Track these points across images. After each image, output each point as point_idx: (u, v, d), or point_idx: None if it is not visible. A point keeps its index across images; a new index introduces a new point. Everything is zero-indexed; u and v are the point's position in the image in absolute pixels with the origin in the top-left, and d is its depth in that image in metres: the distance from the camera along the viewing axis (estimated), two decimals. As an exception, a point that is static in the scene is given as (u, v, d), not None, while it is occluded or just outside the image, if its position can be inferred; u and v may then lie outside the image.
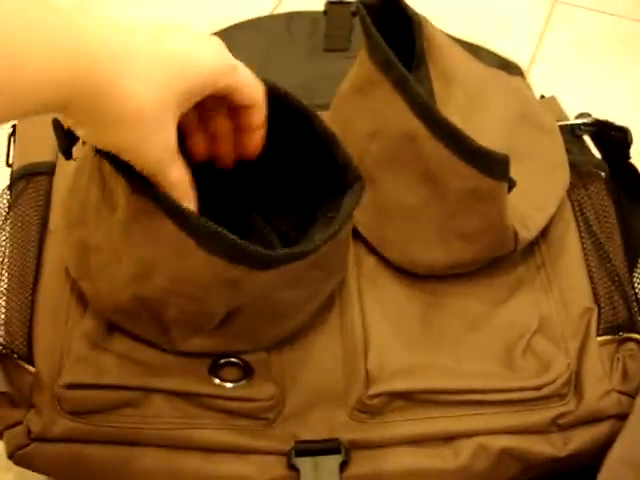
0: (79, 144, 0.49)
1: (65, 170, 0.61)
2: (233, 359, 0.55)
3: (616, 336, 0.58)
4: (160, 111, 0.42)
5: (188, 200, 0.47)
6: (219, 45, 0.46)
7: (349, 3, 0.82)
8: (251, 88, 0.48)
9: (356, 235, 0.62)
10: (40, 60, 0.36)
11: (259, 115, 0.50)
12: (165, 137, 0.43)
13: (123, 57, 0.39)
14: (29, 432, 0.53)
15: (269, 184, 0.59)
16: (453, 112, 0.59)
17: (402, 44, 0.61)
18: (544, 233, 0.62)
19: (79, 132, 0.45)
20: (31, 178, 0.62)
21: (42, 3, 0.37)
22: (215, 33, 0.83)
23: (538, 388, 0.54)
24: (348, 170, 0.51)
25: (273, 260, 0.46)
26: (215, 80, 0.45)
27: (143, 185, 0.45)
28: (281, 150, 0.55)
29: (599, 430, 0.55)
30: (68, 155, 0.50)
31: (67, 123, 0.46)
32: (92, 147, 0.49)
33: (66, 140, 0.49)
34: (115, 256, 0.51)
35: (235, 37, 0.83)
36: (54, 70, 0.37)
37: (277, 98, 0.52)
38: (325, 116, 0.64)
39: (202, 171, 0.51)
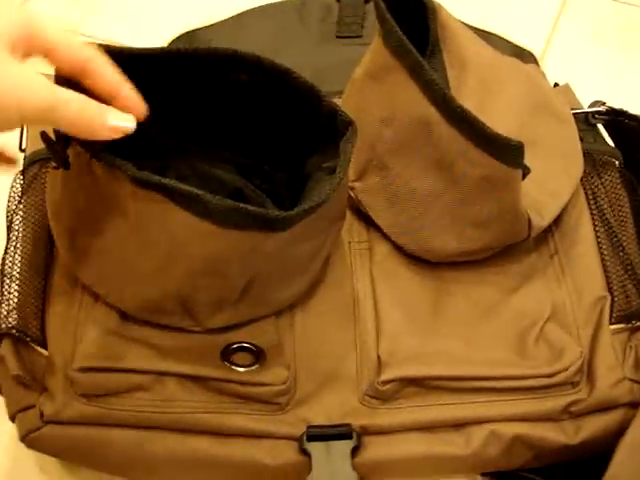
0: None
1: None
2: (245, 344, 0.55)
3: (629, 325, 0.57)
4: None
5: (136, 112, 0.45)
6: None
7: (362, -11, 0.82)
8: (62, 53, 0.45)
9: (369, 221, 0.62)
10: None
11: (98, 81, 0.46)
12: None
13: None
14: (42, 415, 0.54)
15: (253, 148, 0.59)
16: (467, 99, 0.58)
17: (416, 30, 0.61)
18: (557, 221, 0.62)
19: None
20: (44, 163, 0.62)
21: None
22: (225, 20, 0.83)
23: (550, 376, 0.54)
24: (336, 118, 0.51)
25: (291, 219, 0.46)
26: None
27: (147, 177, 0.45)
28: (261, 114, 0.55)
29: (611, 418, 0.55)
30: (66, 165, 0.50)
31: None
32: (80, 152, 0.49)
33: (59, 152, 0.49)
34: (130, 255, 0.51)
35: (246, 23, 0.83)
36: None
37: (249, 64, 0.52)
38: (338, 102, 0.65)
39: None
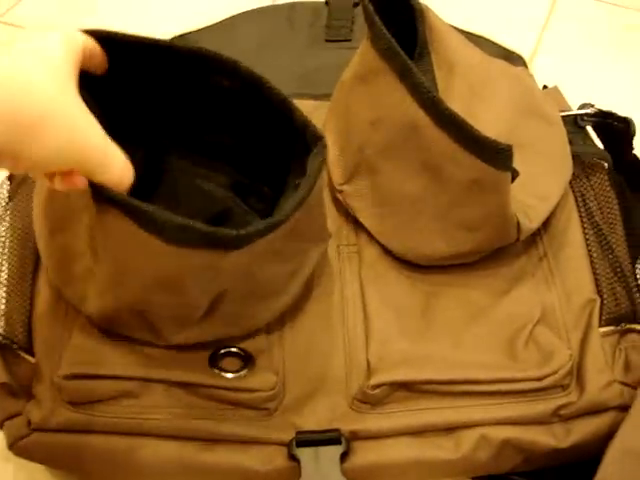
0: None
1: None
2: (234, 349, 0.55)
3: (618, 327, 0.57)
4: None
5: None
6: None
7: (351, -7, 0.82)
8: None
9: (358, 225, 0.62)
10: None
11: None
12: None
13: None
14: (29, 423, 0.53)
15: (239, 166, 0.59)
16: (455, 101, 0.58)
17: (404, 33, 0.61)
18: (546, 224, 0.62)
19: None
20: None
21: None
22: (215, 24, 0.83)
23: (540, 379, 0.54)
24: (307, 132, 0.50)
25: (244, 238, 0.45)
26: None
27: (102, 193, 0.44)
28: (243, 124, 0.55)
29: (601, 421, 0.55)
30: None
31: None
32: None
33: None
34: (93, 262, 0.50)
35: (236, 27, 0.83)
36: None
37: (227, 69, 0.51)
38: (327, 106, 0.65)
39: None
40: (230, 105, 0.54)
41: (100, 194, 0.44)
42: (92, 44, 0.46)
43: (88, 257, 0.51)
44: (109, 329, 0.54)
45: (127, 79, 0.51)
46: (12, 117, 0.37)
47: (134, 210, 0.43)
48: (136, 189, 0.45)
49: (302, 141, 0.51)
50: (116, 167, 0.43)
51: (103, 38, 0.48)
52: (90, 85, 0.47)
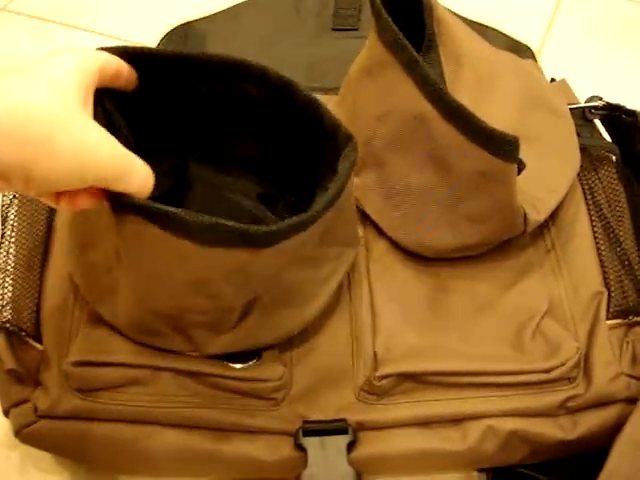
0: None
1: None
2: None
3: (626, 320, 0.57)
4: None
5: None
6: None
7: (358, -18, 0.82)
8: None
9: (365, 218, 0.62)
10: None
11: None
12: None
13: None
14: (36, 410, 0.53)
15: (266, 176, 0.59)
16: (463, 94, 0.58)
17: (412, 26, 0.61)
18: (554, 216, 0.62)
19: None
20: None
21: None
22: (221, 12, 0.82)
23: (547, 371, 0.54)
24: (338, 133, 0.50)
25: (275, 234, 0.44)
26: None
27: (124, 202, 0.44)
28: (271, 131, 0.55)
29: (608, 414, 0.55)
30: None
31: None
32: None
33: None
34: (123, 275, 0.50)
35: (241, 16, 0.83)
36: None
37: (255, 75, 0.51)
38: (334, 99, 0.65)
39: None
40: (256, 113, 0.53)
41: (121, 203, 0.44)
42: (117, 63, 0.47)
43: (116, 270, 0.51)
44: (144, 342, 0.53)
45: (154, 92, 0.51)
46: (19, 136, 0.38)
47: (159, 215, 0.43)
48: (162, 202, 0.44)
49: (332, 143, 0.50)
50: (135, 178, 0.43)
51: (129, 55, 0.48)
52: (117, 99, 0.48)
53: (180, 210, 0.43)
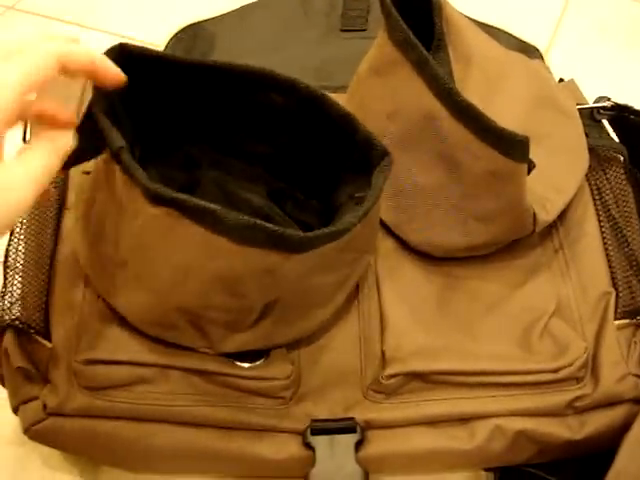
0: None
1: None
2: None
3: (633, 320, 0.57)
4: None
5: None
6: None
7: (366, -17, 0.82)
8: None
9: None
10: None
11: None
12: None
13: None
14: (45, 407, 0.53)
15: (286, 171, 0.59)
16: (472, 93, 0.58)
17: (421, 25, 0.61)
18: (562, 216, 0.62)
19: None
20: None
21: None
22: (230, 12, 0.83)
23: (555, 371, 0.54)
24: (373, 147, 0.51)
25: (309, 241, 0.45)
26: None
27: (159, 190, 0.44)
28: (294, 137, 0.55)
29: (615, 414, 0.55)
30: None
31: None
32: (105, 159, 0.49)
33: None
34: (143, 269, 0.50)
35: (251, 16, 0.83)
36: None
37: (283, 86, 0.52)
38: (343, 98, 0.65)
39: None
40: (278, 120, 0.54)
41: (160, 197, 0.44)
42: (88, 60, 0.43)
43: (134, 263, 0.51)
44: (157, 335, 0.53)
45: (169, 93, 0.52)
46: None
47: (197, 210, 0.43)
48: None
49: (365, 155, 0.51)
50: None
51: (149, 59, 0.49)
52: (129, 97, 0.48)
53: (219, 208, 0.43)
